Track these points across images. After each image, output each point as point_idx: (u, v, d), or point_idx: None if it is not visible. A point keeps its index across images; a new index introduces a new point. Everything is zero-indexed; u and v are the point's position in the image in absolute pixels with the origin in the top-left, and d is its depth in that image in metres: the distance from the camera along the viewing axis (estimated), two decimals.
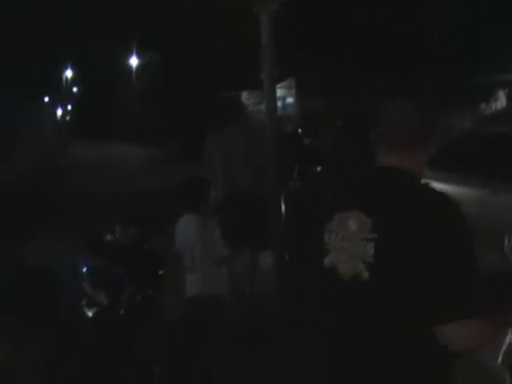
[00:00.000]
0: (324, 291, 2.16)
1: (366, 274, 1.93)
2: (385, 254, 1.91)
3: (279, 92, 19.52)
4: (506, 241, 3.78)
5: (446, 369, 1.98)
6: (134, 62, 43.56)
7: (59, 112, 50.94)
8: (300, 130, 15.09)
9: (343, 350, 2.06)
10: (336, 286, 2.05)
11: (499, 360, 2.79)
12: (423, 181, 2.10)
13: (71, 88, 55.71)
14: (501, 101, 17.33)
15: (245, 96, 20.39)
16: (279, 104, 19.51)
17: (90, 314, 4.92)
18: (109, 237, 5.13)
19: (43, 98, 36.81)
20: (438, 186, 7.30)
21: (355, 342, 2.00)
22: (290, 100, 19.88)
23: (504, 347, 2.78)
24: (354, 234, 1.99)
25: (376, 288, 1.92)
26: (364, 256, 1.94)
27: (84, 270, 5.05)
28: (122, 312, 4.90)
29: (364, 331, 1.97)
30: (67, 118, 54.67)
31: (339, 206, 2.08)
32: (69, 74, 53.74)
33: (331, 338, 2.13)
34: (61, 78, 51.35)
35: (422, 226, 1.88)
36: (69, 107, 55.53)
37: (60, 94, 48.88)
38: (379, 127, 2.10)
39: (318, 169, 8.77)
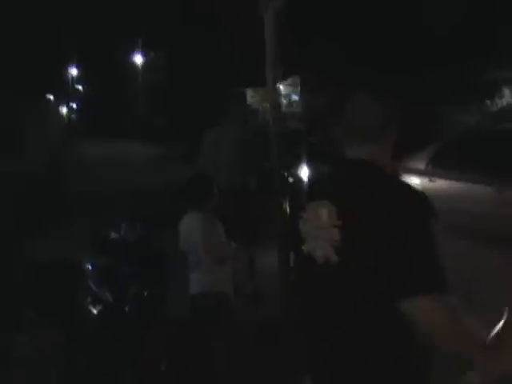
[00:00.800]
0: (306, 277, 2.32)
1: (335, 258, 2.11)
2: (349, 239, 2.07)
3: (284, 89, 19.50)
4: None
5: (417, 348, 2.08)
6: (139, 60, 43.61)
7: (65, 110, 51.06)
8: (305, 128, 15.06)
9: (325, 330, 2.21)
10: (314, 270, 2.21)
11: None
12: (391, 171, 2.25)
13: (76, 86, 55.80)
14: (506, 98, 17.31)
15: (249, 93, 20.40)
16: (284, 101, 19.52)
17: (95, 311, 4.94)
18: (114, 235, 5.15)
19: (49, 97, 36.88)
20: (443, 182, 7.21)
21: (335, 322, 2.15)
22: (295, 97, 19.85)
23: None
24: (325, 221, 2.14)
25: (345, 270, 2.10)
26: (332, 241, 2.11)
27: (90, 267, 5.06)
28: (127, 310, 4.92)
29: (341, 311, 2.13)
30: (73, 116, 54.77)
31: (312, 196, 2.26)
32: (74, 72, 53.85)
33: (314, 321, 2.28)
34: (66, 76, 51.47)
35: (383, 212, 2.02)
36: (74, 105, 55.64)
37: (65, 92, 48.98)
38: (347, 120, 2.21)
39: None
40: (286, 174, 7.10)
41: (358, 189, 2.12)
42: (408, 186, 2.10)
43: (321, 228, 2.15)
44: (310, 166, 8.09)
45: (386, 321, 2.04)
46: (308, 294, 2.31)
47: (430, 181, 8.81)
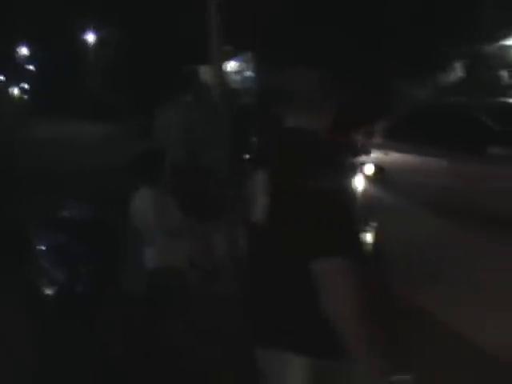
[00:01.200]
0: (248, 243, 2.47)
1: (262, 219, 2.25)
2: (273, 203, 2.22)
3: (238, 66, 19.42)
4: None
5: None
6: (91, 37, 42.87)
7: (16, 90, 50.07)
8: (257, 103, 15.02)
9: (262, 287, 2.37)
10: (254, 235, 2.38)
11: None
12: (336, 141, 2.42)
13: (27, 66, 54.69)
14: (457, 72, 17.52)
15: (203, 70, 20.19)
16: (238, 78, 19.45)
17: (49, 291, 4.89)
18: (65, 214, 5.08)
19: None
20: (397, 155, 7.36)
21: (266, 279, 2.32)
22: (248, 73, 19.74)
23: None
24: (260, 188, 2.28)
25: (269, 230, 2.25)
26: (262, 206, 2.26)
27: (42, 247, 5.00)
28: (80, 289, 4.88)
29: (271, 269, 2.28)
30: (24, 96, 53.74)
31: (254, 164, 2.42)
32: (25, 51, 52.73)
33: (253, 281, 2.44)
34: (17, 56, 50.43)
35: (308, 178, 2.14)
36: (25, 85, 54.59)
37: (16, 72, 48.01)
38: (285, 91, 2.34)
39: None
40: (236, 148, 7.11)
41: (289, 156, 2.24)
42: (330, 155, 2.23)
43: (257, 195, 2.28)
44: (256, 138, 8.11)
45: (306, 279, 2.14)
46: (250, 258, 2.44)
47: (385, 154, 8.90)
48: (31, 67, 54.87)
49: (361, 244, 2.21)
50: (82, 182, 9.17)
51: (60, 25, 38.04)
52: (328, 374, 2.25)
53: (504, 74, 16.74)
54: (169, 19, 22.82)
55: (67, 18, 37.23)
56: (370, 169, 7.92)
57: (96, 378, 4.40)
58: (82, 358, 4.56)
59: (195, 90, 6.78)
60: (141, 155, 4.76)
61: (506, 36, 16.98)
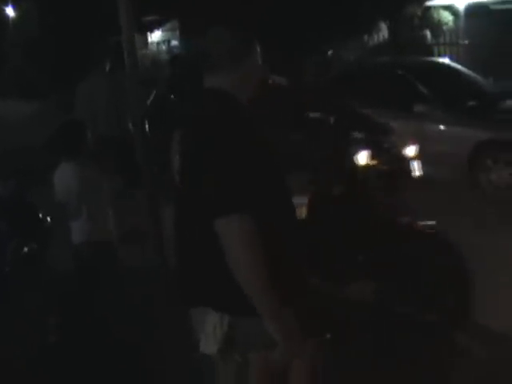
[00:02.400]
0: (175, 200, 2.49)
1: (178, 179, 2.36)
2: (184, 163, 2.31)
3: (163, 35, 19.15)
4: None
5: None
6: (10, 12, 41.48)
7: None
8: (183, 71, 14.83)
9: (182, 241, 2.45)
10: (173, 195, 2.46)
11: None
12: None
13: None
14: (382, 32, 17.69)
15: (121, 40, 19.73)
16: (164, 47, 19.20)
17: None
18: None
19: None
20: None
21: (186, 242, 2.40)
22: (174, 42, 19.50)
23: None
24: (175, 149, 2.37)
25: (184, 192, 2.34)
26: (177, 167, 2.35)
27: None
28: (8, 268, 4.76)
29: (190, 232, 2.35)
30: None
31: (176, 126, 2.45)
32: None
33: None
34: None
35: (213, 138, 2.19)
36: None
37: None
38: (204, 52, 2.40)
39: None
40: (160, 115, 7.08)
41: (201, 115, 2.31)
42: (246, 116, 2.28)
43: (173, 155, 2.37)
44: (177, 101, 8.07)
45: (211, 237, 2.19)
46: (174, 222, 2.48)
47: None
48: None
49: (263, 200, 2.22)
50: (2, 161, 8.90)
51: None
52: (243, 330, 2.29)
53: (427, 33, 16.98)
54: None
55: None
56: None
57: (30, 356, 4.32)
58: (15, 337, 4.48)
59: (113, 61, 6.75)
60: (60, 129, 4.64)
61: None
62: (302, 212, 4.59)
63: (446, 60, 12.00)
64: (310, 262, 3.98)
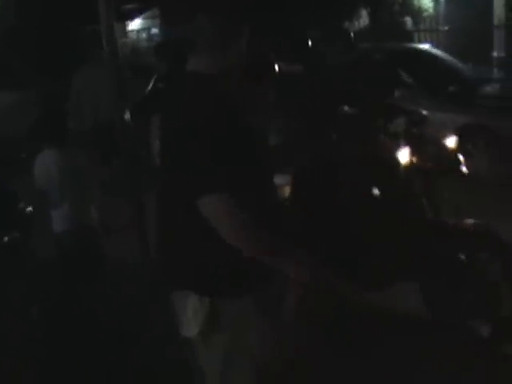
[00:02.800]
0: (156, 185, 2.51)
1: (158, 163, 2.41)
2: (164, 147, 2.35)
3: (144, 23, 19.02)
4: None
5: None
6: None
7: None
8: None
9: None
10: (155, 176, 2.49)
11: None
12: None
13: None
14: (363, 19, 17.72)
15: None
16: (144, 35, 19.09)
17: None
18: None
19: None
20: None
21: (168, 224, 2.41)
22: (154, 30, 19.40)
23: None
24: (155, 132, 2.59)
25: (166, 174, 2.38)
26: (157, 151, 2.40)
27: None
28: None
29: (172, 213, 2.37)
30: None
31: (159, 110, 2.52)
32: None
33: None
34: None
35: (188, 121, 2.22)
36: None
37: None
38: (187, 38, 2.42)
39: None
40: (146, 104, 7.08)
41: (179, 97, 2.34)
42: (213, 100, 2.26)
43: (153, 140, 2.35)
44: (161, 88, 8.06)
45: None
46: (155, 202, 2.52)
47: None
48: None
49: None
50: None
51: None
52: (224, 313, 2.31)
53: (407, 20, 17.06)
54: None
55: None
56: None
57: (13, 346, 4.31)
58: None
59: (94, 51, 6.72)
60: (42, 116, 4.63)
61: None
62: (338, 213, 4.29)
63: (426, 46, 12.06)
64: (350, 264, 3.84)
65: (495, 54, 14.06)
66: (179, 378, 3.57)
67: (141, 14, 19.27)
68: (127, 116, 5.28)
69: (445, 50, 11.27)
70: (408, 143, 4.29)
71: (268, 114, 4.62)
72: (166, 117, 2.39)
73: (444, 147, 4.52)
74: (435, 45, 13.85)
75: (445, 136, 4.60)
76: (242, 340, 2.34)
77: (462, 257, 4.07)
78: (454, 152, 4.49)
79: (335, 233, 4.26)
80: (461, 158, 4.45)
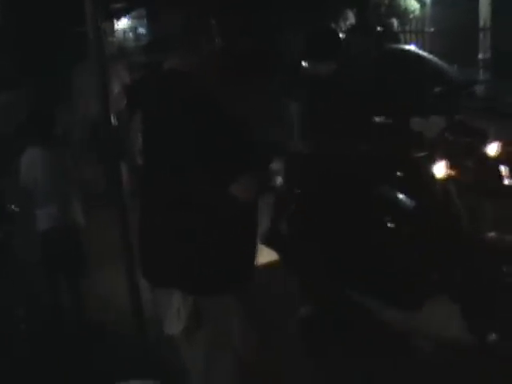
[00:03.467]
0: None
1: (140, 159, 2.45)
2: (146, 142, 2.40)
3: (130, 22, 18.96)
4: None
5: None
6: None
7: None
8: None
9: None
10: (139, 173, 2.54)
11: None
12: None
13: None
14: (350, 20, 17.70)
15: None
16: (131, 35, 19.02)
17: None
18: None
19: None
20: None
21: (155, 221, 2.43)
22: (141, 30, 19.32)
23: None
24: (136, 128, 2.48)
25: (146, 169, 2.43)
26: (139, 146, 2.44)
27: None
28: None
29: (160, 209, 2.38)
30: None
31: (141, 105, 2.55)
32: None
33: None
34: None
35: (168, 117, 2.27)
36: None
37: None
38: (170, 37, 2.46)
39: None
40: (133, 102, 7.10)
41: (160, 94, 2.37)
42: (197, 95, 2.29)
43: (135, 135, 2.52)
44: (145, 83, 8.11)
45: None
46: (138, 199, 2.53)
47: None
48: None
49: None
50: None
51: None
52: (207, 310, 2.33)
53: (394, 21, 17.08)
54: None
55: None
56: None
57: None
58: None
59: (81, 51, 6.74)
60: (30, 116, 4.65)
61: None
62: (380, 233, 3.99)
63: (412, 47, 12.09)
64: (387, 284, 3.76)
65: (480, 56, 14.13)
66: (164, 375, 3.58)
67: (127, 13, 19.23)
68: (113, 115, 5.30)
69: (430, 51, 11.30)
70: (446, 154, 3.97)
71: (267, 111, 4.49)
72: (147, 112, 2.45)
73: (483, 157, 4.24)
74: (421, 46, 13.90)
75: (483, 144, 4.29)
76: (225, 337, 2.35)
77: (505, 273, 3.70)
78: (495, 162, 4.22)
79: (373, 251, 4.00)
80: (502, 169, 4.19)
